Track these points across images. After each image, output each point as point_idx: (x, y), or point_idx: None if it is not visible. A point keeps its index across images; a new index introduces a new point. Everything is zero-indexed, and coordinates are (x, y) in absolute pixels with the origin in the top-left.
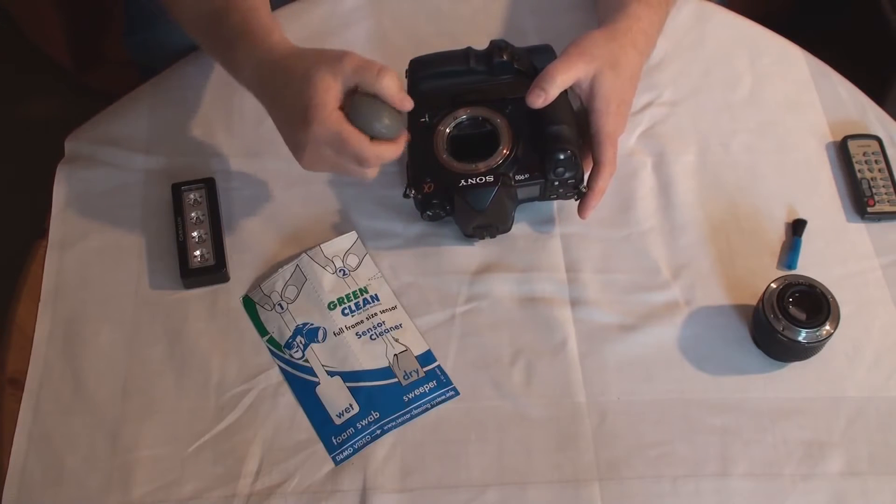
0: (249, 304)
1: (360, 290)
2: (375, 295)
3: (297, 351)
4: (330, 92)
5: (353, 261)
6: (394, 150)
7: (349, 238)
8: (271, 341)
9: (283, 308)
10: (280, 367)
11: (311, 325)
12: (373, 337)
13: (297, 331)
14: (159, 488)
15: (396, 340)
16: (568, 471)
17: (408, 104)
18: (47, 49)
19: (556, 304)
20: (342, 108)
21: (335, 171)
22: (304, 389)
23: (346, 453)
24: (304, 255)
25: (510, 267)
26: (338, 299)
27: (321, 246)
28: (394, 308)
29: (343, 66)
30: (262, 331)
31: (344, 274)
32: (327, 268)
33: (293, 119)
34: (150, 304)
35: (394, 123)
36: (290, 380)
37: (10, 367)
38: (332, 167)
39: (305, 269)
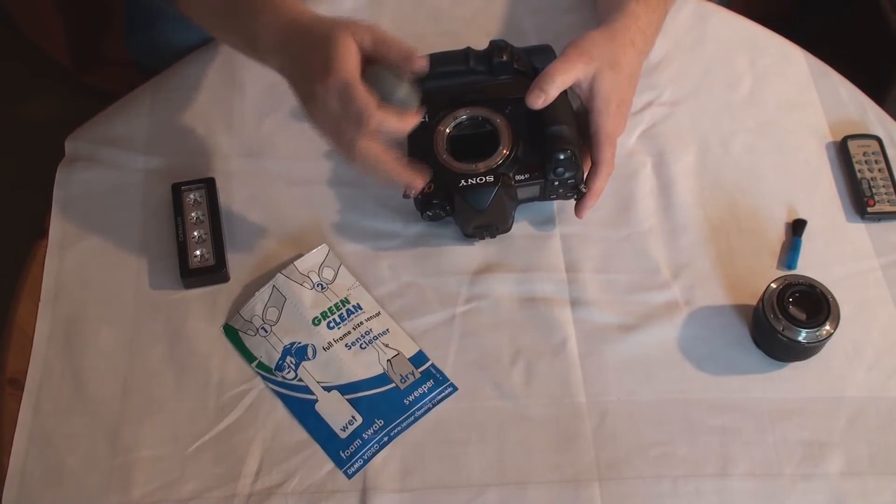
0: (231, 332)
1: (342, 301)
2: (357, 304)
3: (289, 372)
4: (351, 51)
5: (328, 273)
6: (399, 122)
7: (321, 252)
8: (260, 366)
9: (266, 331)
10: (275, 391)
11: (299, 343)
12: (363, 346)
13: (286, 351)
14: (159, 488)
15: (387, 346)
16: (568, 471)
17: (419, 67)
18: (47, 49)
19: (555, 304)
20: (362, 74)
21: (333, 139)
22: (303, 409)
23: (356, 465)
24: (279, 275)
25: (510, 267)
26: (321, 314)
27: (294, 263)
28: (378, 314)
29: (364, 34)
30: (248, 357)
31: (322, 288)
32: (304, 284)
33: (312, 71)
34: (150, 304)
35: (407, 98)
36: (288, 401)
37: (10, 367)
38: (334, 129)
39: (283, 288)
